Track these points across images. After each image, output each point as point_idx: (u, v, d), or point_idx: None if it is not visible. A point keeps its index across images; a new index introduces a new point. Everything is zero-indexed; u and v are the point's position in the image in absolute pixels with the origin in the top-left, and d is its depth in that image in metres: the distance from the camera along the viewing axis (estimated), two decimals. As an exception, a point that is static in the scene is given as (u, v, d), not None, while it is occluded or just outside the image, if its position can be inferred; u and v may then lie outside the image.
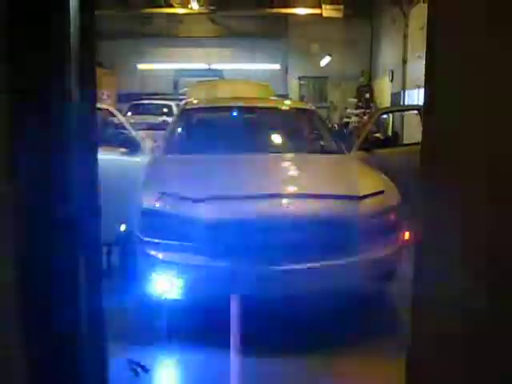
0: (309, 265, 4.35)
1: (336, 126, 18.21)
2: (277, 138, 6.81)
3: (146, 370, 3.78)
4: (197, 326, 4.65)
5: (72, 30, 1.70)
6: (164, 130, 7.47)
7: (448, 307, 1.80)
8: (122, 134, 6.90)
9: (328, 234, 4.49)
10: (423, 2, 16.46)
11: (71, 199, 1.74)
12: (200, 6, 23.29)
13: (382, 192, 4.88)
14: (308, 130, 7.23)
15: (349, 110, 22.17)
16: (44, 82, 1.63)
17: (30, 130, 1.62)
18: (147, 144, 6.70)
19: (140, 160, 6.21)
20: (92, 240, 1.86)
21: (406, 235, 4.76)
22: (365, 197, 4.75)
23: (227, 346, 4.23)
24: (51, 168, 1.72)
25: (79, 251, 1.78)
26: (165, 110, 17.55)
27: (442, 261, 1.81)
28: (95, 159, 1.94)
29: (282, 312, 4.53)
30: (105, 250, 5.33)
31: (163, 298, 4.55)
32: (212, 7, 23.43)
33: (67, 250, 1.73)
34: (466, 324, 1.80)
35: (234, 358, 4.00)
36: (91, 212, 1.84)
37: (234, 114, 6.94)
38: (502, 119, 1.74)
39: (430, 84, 1.90)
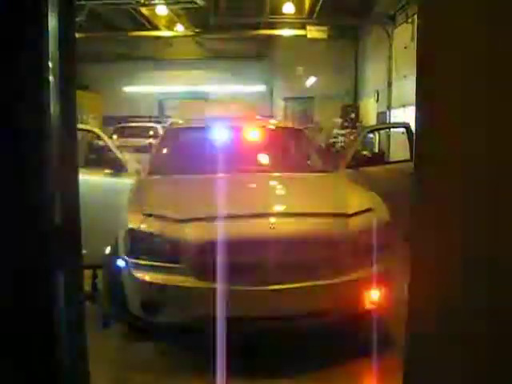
0: (297, 284, 4.29)
1: (323, 145, 18.25)
2: (264, 158, 6.77)
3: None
4: (184, 349, 4.57)
5: (51, 46, 1.65)
6: (150, 152, 7.44)
7: (444, 312, 1.77)
8: (108, 155, 6.87)
9: (317, 253, 4.44)
10: (406, 23, 16.63)
11: (50, 215, 1.68)
12: (185, 28, 23.42)
13: (370, 209, 4.84)
14: (295, 150, 7.21)
15: (335, 130, 22.28)
16: (18, 97, 1.58)
17: (3, 145, 1.57)
18: (132, 165, 6.64)
19: (125, 181, 6.15)
20: (72, 258, 1.79)
21: (396, 251, 4.71)
22: (353, 214, 4.71)
23: (215, 368, 4.15)
24: (29, 184, 1.66)
25: (58, 261, 1.71)
26: (150, 132, 17.54)
27: (437, 265, 1.79)
28: (76, 177, 1.87)
29: (270, 333, 4.47)
30: (90, 272, 5.25)
31: (149, 320, 4.46)
32: (197, 30, 23.57)
33: (45, 261, 1.67)
34: (462, 327, 1.77)
35: (222, 381, 3.93)
36: (71, 228, 1.78)
37: (220, 133, 6.89)
38: (493, 133, 1.74)
39: (420, 102, 1.89)
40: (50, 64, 1.64)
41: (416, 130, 1.89)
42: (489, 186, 1.76)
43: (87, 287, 5.25)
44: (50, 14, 1.62)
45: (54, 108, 1.63)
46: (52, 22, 1.62)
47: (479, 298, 1.77)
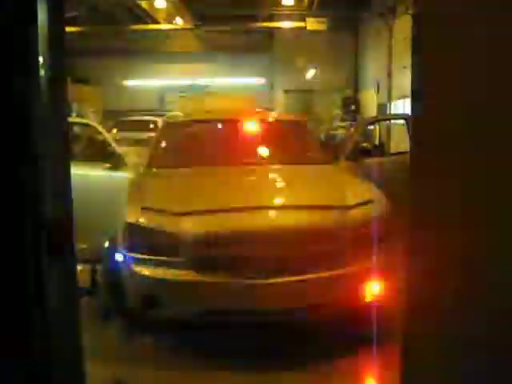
0: (297, 277, 4.27)
1: (322, 137, 18.22)
2: (263, 150, 6.74)
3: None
4: (184, 342, 4.56)
5: (40, 40, 1.63)
6: (149, 145, 7.42)
7: (442, 310, 1.75)
8: (107, 149, 6.85)
9: (317, 246, 4.42)
10: (406, 14, 16.57)
11: (42, 211, 1.66)
12: (184, 21, 23.35)
13: (370, 201, 4.82)
14: (295, 142, 7.17)
15: (335, 122, 22.25)
16: (7, 91, 1.56)
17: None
18: (132, 159, 6.63)
19: (124, 175, 6.14)
20: (66, 252, 1.78)
21: (396, 244, 4.69)
22: (353, 207, 4.68)
23: (215, 362, 4.15)
24: (21, 179, 1.64)
25: (52, 258, 1.70)
26: (151, 125, 17.47)
27: (433, 261, 1.77)
28: (68, 171, 1.86)
29: (271, 326, 4.46)
30: (89, 267, 5.24)
31: (149, 314, 4.45)
32: (197, 23, 23.50)
33: (38, 258, 1.65)
34: (461, 326, 1.76)
35: (222, 374, 3.93)
36: (64, 223, 1.76)
37: (219, 126, 6.88)
38: (488, 126, 1.72)
39: (416, 94, 1.86)
40: (40, 58, 1.62)
41: (412, 122, 1.87)
42: (488, 179, 1.74)
43: (87, 282, 5.24)
44: (39, 7, 1.60)
45: (43, 102, 1.61)
46: (41, 16, 1.60)
47: (480, 296, 1.75)
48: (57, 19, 1.69)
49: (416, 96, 1.85)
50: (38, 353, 1.69)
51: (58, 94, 1.67)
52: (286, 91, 26.31)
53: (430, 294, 1.77)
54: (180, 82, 26.08)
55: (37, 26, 1.61)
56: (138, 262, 4.41)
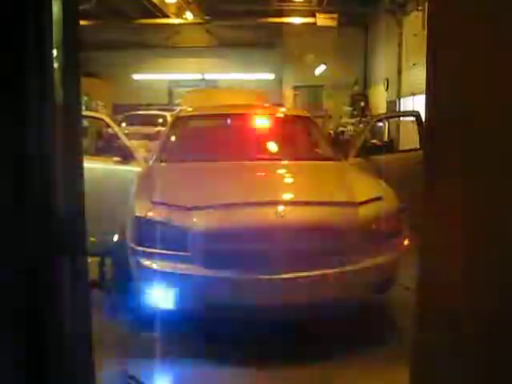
0: (306, 273, 4.28)
1: (332, 133, 18.21)
2: (272, 146, 6.74)
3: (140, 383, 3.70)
4: (192, 337, 4.57)
5: (54, 33, 1.62)
6: (157, 139, 7.42)
7: (451, 310, 1.74)
8: (116, 143, 6.86)
9: (326, 242, 4.42)
10: (417, 10, 16.50)
11: (54, 205, 1.66)
12: (195, 16, 23.34)
13: (380, 198, 4.81)
14: (304, 138, 7.16)
15: (344, 119, 22.21)
16: (21, 85, 1.56)
17: (4, 132, 1.54)
18: (141, 153, 6.63)
19: (134, 169, 6.14)
20: (77, 247, 1.77)
21: (406, 241, 4.68)
22: (363, 203, 4.68)
23: (224, 357, 4.15)
24: (32, 173, 1.64)
25: (63, 258, 1.69)
26: (159, 120, 17.51)
27: (444, 263, 1.75)
28: (80, 165, 1.85)
29: (279, 321, 4.45)
30: (97, 260, 5.24)
31: (158, 308, 4.46)
32: (206, 17, 23.48)
33: (49, 256, 1.65)
34: (469, 326, 1.74)
35: (231, 371, 3.93)
36: (76, 220, 1.75)
37: (228, 121, 6.87)
38: (503, 124, 1.70)
39: (430, 92, 1.85)
40: (54, 51, 1.61)
41: (426, 118, 1.86)
42: (504, 176, 1.73)
43: (95, 275, 5.24)
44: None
45: (57, 96, 1.60)
46: (55, 8, 1.60)
47: (494, 292, 1.73)
48: (71, 12, 1.68)
49: (430, 92, 1.83)
50: (51, 351, 1.69)
51: (72, 87, 1.66)
52: (296, 87, 26.27)
53: (444, 292, 1.76)
54: (189, 77, 26.10)
55: (51, 18, 1.60)
56: (147, 255, 4.42)
